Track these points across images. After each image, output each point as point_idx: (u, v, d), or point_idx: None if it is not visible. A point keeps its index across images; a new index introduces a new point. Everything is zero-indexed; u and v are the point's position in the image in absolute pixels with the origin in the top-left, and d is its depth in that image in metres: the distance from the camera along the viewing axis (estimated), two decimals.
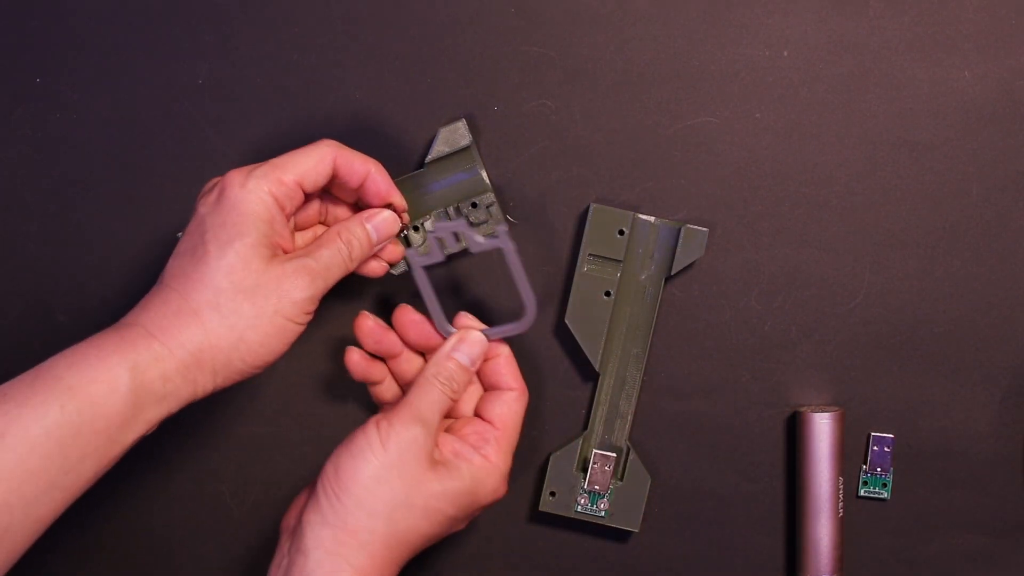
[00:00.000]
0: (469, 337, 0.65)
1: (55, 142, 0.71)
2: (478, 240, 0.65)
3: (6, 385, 0.56)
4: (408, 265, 0.66)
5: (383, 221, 0.64)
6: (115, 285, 0.71)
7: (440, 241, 0.66)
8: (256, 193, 0.59)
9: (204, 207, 0.60)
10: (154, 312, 0.58)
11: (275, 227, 0.60)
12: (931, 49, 0.70)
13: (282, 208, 0.60)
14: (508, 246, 0.65)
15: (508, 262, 0.65)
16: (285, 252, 0.61)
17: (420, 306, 0.66)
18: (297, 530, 0.60)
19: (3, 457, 0.53)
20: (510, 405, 0.65)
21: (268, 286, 0.59)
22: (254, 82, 0.71)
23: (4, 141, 0.71)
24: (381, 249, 0.65)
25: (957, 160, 0.70)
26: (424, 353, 0.68)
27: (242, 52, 0.71)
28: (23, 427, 0.54)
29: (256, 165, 0.61)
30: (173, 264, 0.60)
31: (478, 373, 0.66)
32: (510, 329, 0.66)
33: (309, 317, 0.61)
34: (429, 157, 0.69)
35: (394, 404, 0.68)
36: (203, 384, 0.59)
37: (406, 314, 0.66)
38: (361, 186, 0.64)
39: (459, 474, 0.61)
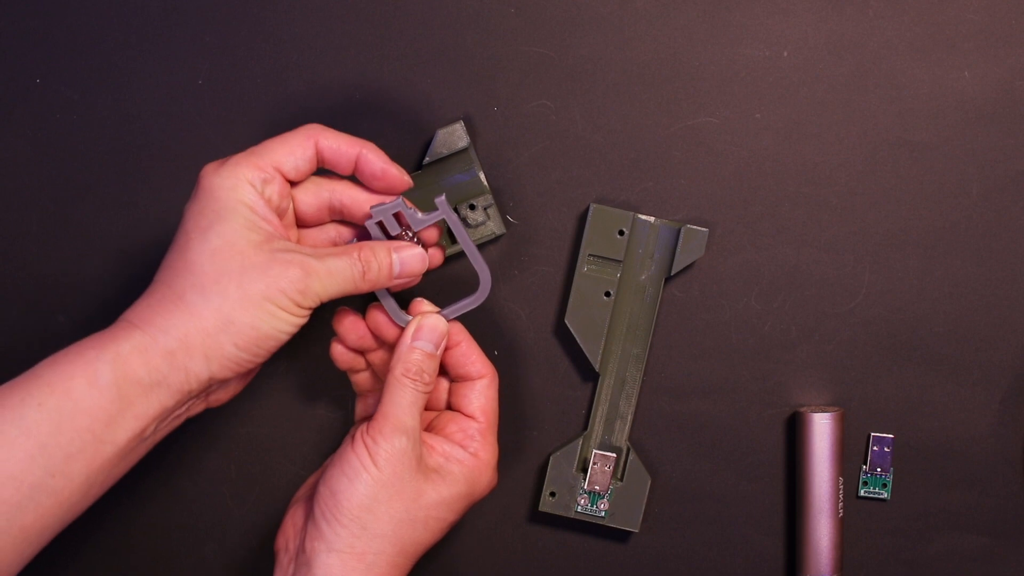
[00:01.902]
0: (426, 323, 0.62)
1: (55, 142, 0.71)
2: (419, 217, 0.62)
3: None
4: None
5: (412, 256, 0.61)
6: (115, 285, 0.71)
7: (381, 227, 0.62)
8: (230, 179, 0.58)
9: (186, 205, 0.59)
10: (140, 306, 0.57)
11: (258, 211, 0.58)
12: (931, 49, 0.70)
13: (261, 192, 0.58)
14: (450, 215, 0.62)
15: (455, 232, 0.63)
16: (283, 240, 0.59)
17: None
18: (301, 558, 0.59)
19: None
20: (486, 393, 0.64)
21: (256, 269, 0.56)
22: (254, 82, 0.71)
23: (4, 141, 0.71)
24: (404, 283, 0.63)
25: (957, 160, 0.70)
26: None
27: (242, 52, 0.71)
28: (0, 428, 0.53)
29: (233, 155, 0.60)
30: (162, 263, 0.59)
31: (444, 364, 0.64)
32: (467, 304, 0.64)
33: (303, 313, 0.58)
34: (427, 159, 0.68)
35: (374, 406, 0.67)
36: (196, 372, 0.56)
37: (376, 315, 0.64)
38: (356, 169, 0.61)
39: (454, 479, 0.61)
